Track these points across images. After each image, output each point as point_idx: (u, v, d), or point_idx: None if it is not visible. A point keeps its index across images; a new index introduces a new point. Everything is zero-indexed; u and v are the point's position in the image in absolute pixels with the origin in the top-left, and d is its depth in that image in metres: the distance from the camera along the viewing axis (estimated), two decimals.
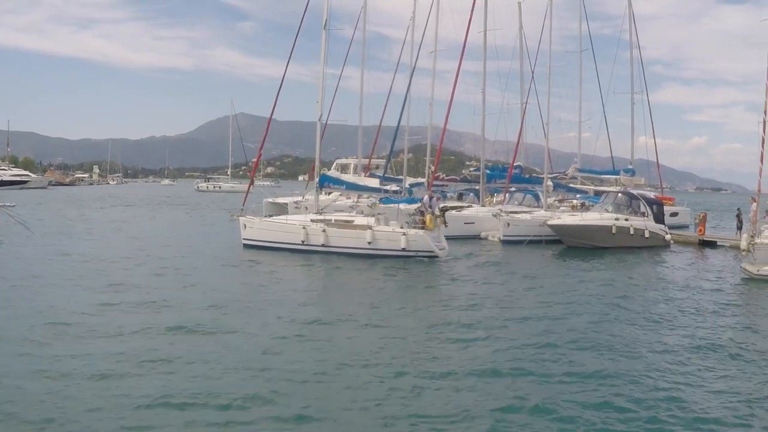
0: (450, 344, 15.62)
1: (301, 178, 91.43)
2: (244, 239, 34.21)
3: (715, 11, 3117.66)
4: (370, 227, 31.85)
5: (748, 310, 22.44)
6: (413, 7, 54.63)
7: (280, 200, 59.12)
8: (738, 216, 43.78)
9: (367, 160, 58.52)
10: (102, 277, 23.73)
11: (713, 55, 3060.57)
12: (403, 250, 31.37)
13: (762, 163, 31.90)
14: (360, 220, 33.35)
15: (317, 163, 36.98)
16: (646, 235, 39.96)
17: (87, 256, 29.24)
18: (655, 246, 40.01)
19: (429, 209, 32.68)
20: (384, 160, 61.51)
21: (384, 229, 32.22)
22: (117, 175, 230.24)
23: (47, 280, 22.84)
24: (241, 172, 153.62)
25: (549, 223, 39.26)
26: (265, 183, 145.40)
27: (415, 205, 34.82)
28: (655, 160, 64.39)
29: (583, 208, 46.69)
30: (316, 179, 36.24)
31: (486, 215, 42.26)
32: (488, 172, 50.28)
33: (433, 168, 48.79)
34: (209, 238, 39.60)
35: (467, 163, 56.64)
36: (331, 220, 33.26)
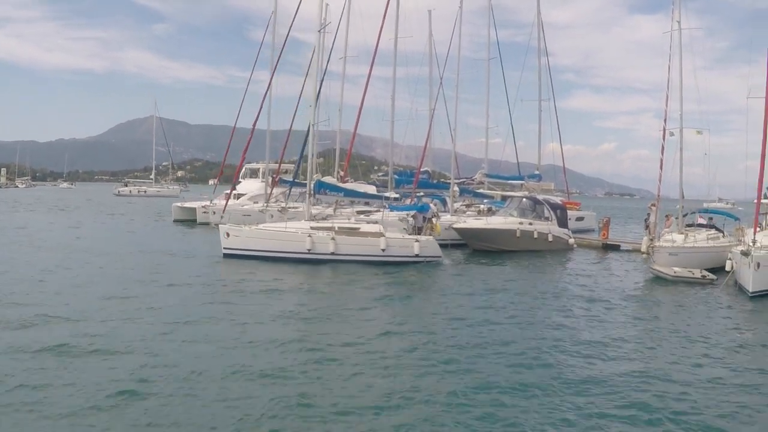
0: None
1: (211, 182, 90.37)
2: (225, 248, 31.90)
3: (626, 21, 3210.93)
4: (383, 234, 31.88)
5: (640, 305, 23.39)
6: (324, 12, 54.69)
7: (189, 204, 58.52)
8: (647, 220, 45.03)
9: (277, 164, 58.03)
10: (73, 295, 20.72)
11: (624, 63, 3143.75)
12: (416, 256, 31.95)
13: (662, 170, 32.93)
14: (367, 227, 33.16)
15: (309, 168, 36.11)
16: (550, 239, 40.70)
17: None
18: (559, 249, 40.84)
19: (437, 215, 34.77)
20: (293, 165, 61.42)
21: (396, 235, 32.64)
22: (25, 178, 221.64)
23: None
24: (150, 176, 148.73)
25: (454, 226, 39.53)
26: (173, 187, 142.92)
27: (401, 213, 36.24)
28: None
29: (489, 212, 47.21)
30: (311, 185, 35.12)
31: (393, 219, 42.34)
32: (396, 177, 50.46)
33: (342, 173, 48.71)
34: (176, 248, 36.23)
35: (376, 167, 56.76)
36: (334, 227, 32.60)
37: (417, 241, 32.25)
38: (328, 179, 36.94)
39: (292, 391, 12.11)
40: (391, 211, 36.68)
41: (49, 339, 14.96)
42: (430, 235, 33.37)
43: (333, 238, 31.34)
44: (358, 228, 33.10)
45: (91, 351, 14.28)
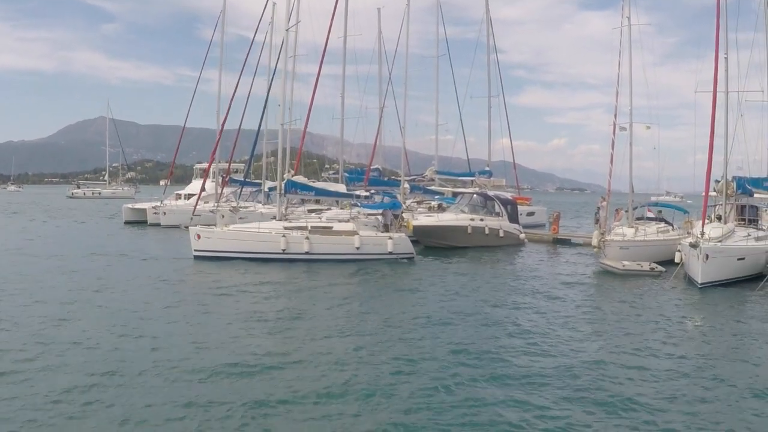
0: None
1: (162, 182, 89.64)
2: (195, 250, 31.40)
3: (576, 17, 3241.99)
4: (356, 233, 31.91)
5: (588, 294, 24.21)
6: (272, 11, 54.44)
7: (139, 206, 57.76)
8: (597, 214, 45.24)
9: (227, 164, 57.50)
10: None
11: (575, 59, 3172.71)
12: (390, 253, 32.03)
13: (612, 165, 33.17)
14: (340, 225, 33.12)
15: (279, 167, 35.47)
16: (501, 234, 40.72)
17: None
18: (510, 245, 40.85)
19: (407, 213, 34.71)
20: (244, 165, 60.98)
21: (369, 233, 32.69)
22: None
23: None
24: (101, 177, 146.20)
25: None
26: (127, 188, 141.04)
27: (372, 211, 35.63)
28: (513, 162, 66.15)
29: (440, 209, 47.10)
30: (282, 184, 34.72)
31: (344, 217, 42.15)
32: (347, 175, 50.20)
33: (293, 171, 48.33)
34: (142, 251, 35.12)
35: (327, 166, 56.46)
36: (307, 227, 32.33)
37: (390, 238, 32.30)
38: (298, 178, 36.55)
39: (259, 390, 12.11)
40: (363, 209, 36.31)
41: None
42: (402, 231, 33.50)
43: (307, 238, 31.17)
44: (332, 227, 32.99)
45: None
